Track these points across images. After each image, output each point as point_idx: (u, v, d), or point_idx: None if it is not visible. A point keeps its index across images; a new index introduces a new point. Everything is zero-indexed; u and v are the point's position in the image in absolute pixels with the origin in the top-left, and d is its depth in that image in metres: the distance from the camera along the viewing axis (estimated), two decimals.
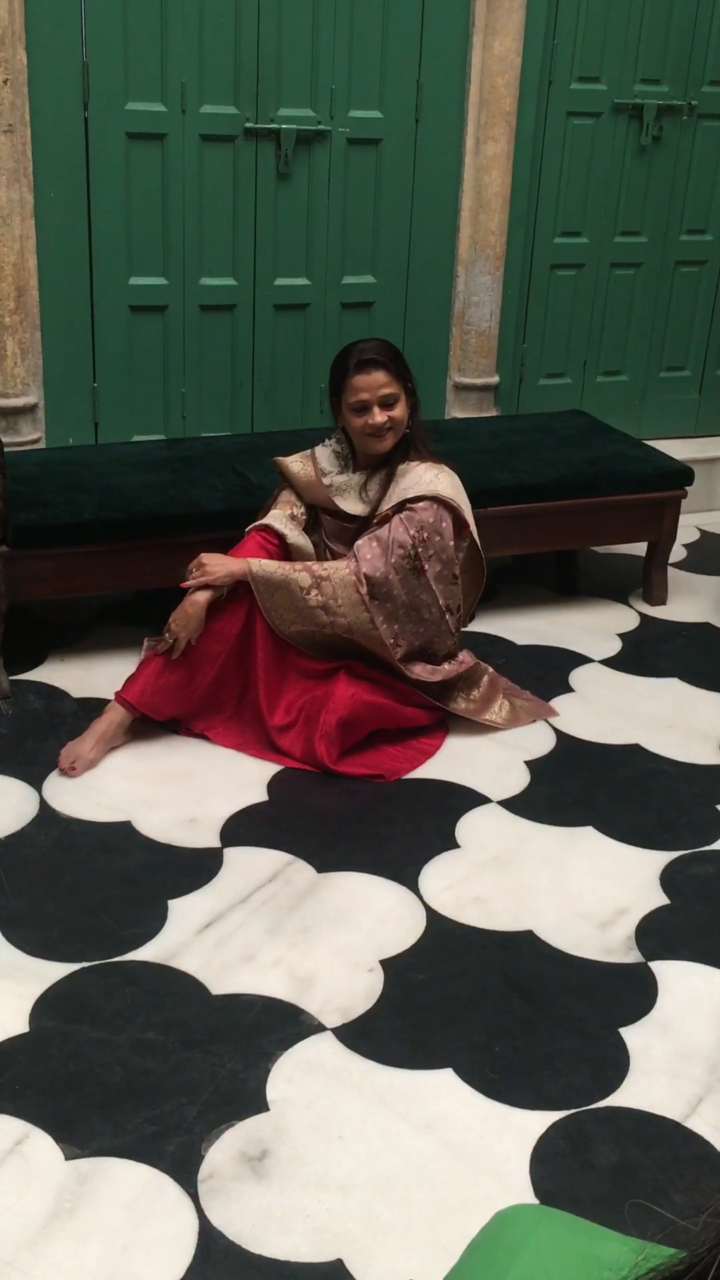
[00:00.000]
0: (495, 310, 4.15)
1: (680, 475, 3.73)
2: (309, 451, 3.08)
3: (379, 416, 2.88)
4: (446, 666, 3.02)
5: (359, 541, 2.92)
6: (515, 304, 4.20)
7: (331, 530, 3.05)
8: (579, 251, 4.27)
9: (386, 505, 2.92)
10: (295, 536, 2.98)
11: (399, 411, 2.91)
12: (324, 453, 3.06)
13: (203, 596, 2.84)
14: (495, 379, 4.21)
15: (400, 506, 2.89)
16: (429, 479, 2.90)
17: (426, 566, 2.88)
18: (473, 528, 2.97)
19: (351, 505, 2.99)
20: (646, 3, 4.04)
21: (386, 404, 2.88)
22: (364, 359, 2.89)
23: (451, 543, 2.90)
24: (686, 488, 3.75)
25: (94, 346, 3.73)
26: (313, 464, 3.05)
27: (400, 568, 2.86)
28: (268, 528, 2.97)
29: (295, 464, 3.07)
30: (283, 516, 3.01)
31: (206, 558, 2.88)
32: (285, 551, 2.96)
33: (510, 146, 3.97)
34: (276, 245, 3.84)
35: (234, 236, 3.78)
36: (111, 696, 2.93)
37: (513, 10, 3.81)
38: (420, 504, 2.88)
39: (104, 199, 3.60)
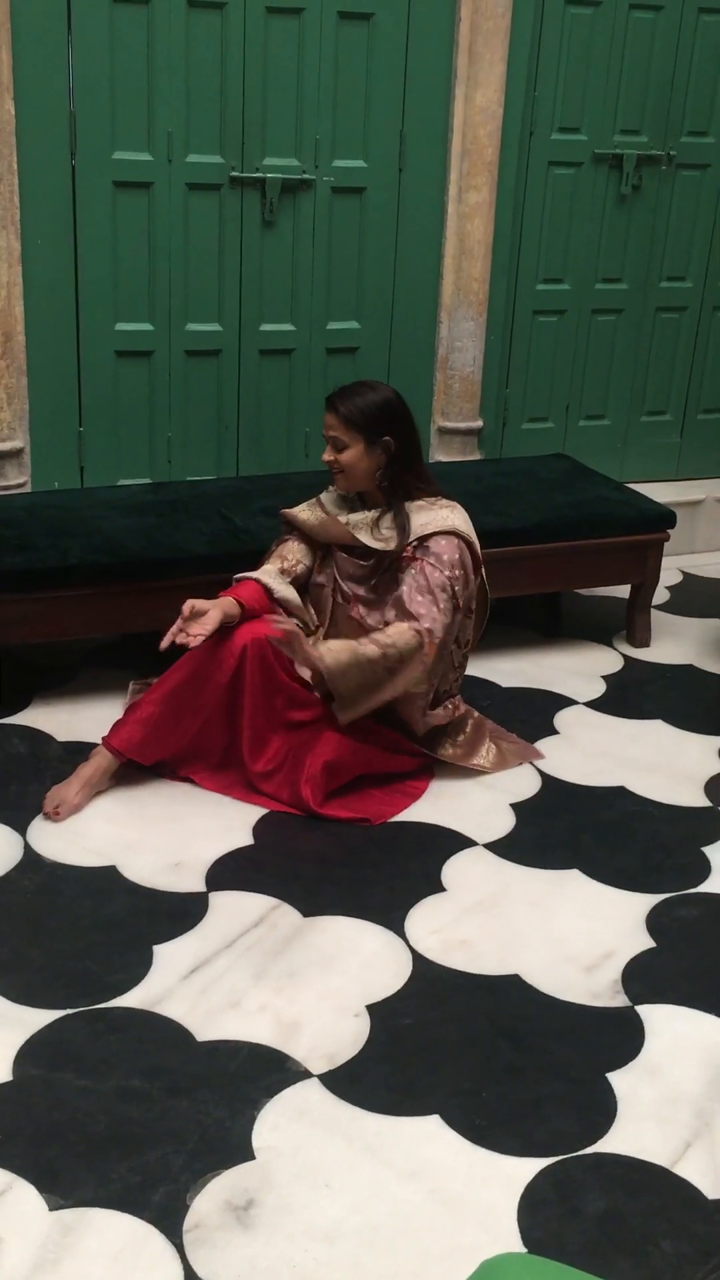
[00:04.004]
0: (478, 355, 4.19)
1: (662, 518, 3.76)
2: (314, 500, 3.10)
3: (327, 454, 2.94)
4: (440, 711, 3.02)
5: (404, 602, 2.87)
6: (498, 349, 4.24)
7: (348, 570, 3.03)
8: (561, 298, 4.32)
9: (407, 542, 2.92)
10: (282, 590, 2.99)
11: (346, 456, 2.91)
12: (328, 497, 3.09)
13: (219, 614, 2.81)
14: (479, 423, 4.25)
15: (422, 542, 2.90)
16: (443, 516, 2.94)
17: (461, 604, 2.92)
18: (482, 566, 3.02)
19: (369, 540, 2.96)
20: (625, 55, 4.12)
21: (335, 446, 2.92)
22: (327, 397, 2.96)
23: (472, 576, 2.95)
24: (669, 530, 3.78)
25: (80, 391, 3.75)
26: (320, 508, 3.07)
27: (449, 611, 2.88)
28: (258, 581, 2.98)
29: (304, 512, 3.08)
30: (273, 570, 3.02)
31: (286, 632, 2.79)
32: (274, 604, 2.97)
33: (492, 195, 4.02)
34: (262, 291, 3.88)
35: (220, 283, 3.82)
36: (96, 740, 2.93)
37: (494, 63, 3.87)
38: (440, 540, 2.90)
39: (91, 246, 3.63)
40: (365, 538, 2.97)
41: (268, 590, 2.97)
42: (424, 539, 2.91)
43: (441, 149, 3.96)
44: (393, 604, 2.93)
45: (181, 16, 3.53)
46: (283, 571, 3.03)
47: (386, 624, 2.91)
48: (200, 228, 3.74)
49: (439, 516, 2.94)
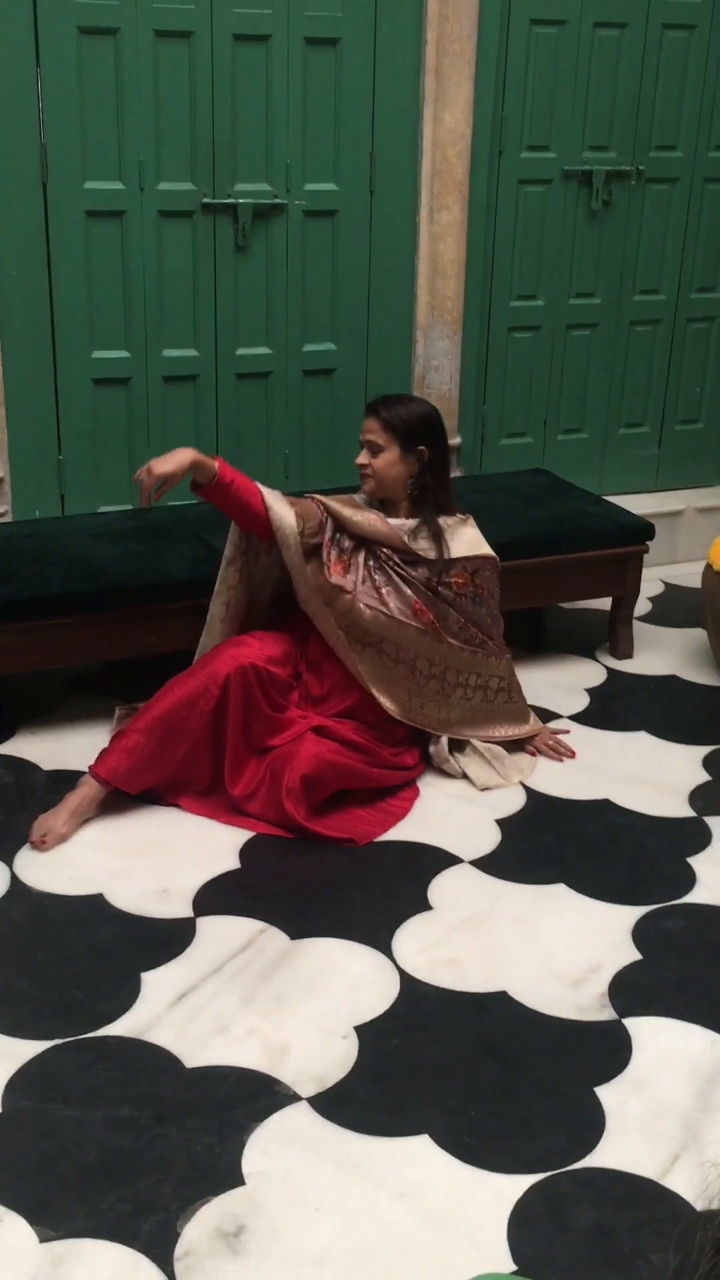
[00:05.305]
0: (455, 373, 4.21)
1: (641, 531, 3.78)
2: (348, 497, 3.11)
3: (360, 457, 3.04)
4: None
5: (487, 624, 3.16)
6: (474, 366, 4.26)
7: (398, 578, 3.03)
8: (535, 314, 4.35)
9: (449, 554, 3.07)
10: (279, 509, 2.91)
11: (380, 461, 3.02)
12: (362, 499, 3.13)
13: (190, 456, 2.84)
14: (457, 440, 4.27)
15: (472, 562, 3.11)
16: (475, 537, 3.14)
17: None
18: None
19: (419, 548, 3.05)
20: (592, 72, 4.15)
21: (371, 450, 3.02)
22: (369, 403, 3.08)
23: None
24: (648, 542, 3.80)
25: (58, 420, 3.77)
26: (361, 510, 3.06)
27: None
28: (260, 489, 2.94)
29: (347, 510, 3.02)
30: (278, 494, 2.96)
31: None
32: (267, 514, 2.92)
33: (464, 214, 4.05)
34: (237, 316, 3.90)
35: (195, 308, 3.84)
36: (83, 768, 2.94)
37: (461, 84, 3.90)
38: (489, 566, 3.15)
39: (65, 275, 3.65)
40: (410, 544, 3.05)
41: (264, 502, 2.92)
42: (475, 566, 3.11)
43: (412, 170, 3.99)
44: (458, 627, 3.13)
45: (149, 45, 3.56)
46: (291, 503, 2.97)
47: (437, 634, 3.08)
48: (174, 254, 3.77)
49: (472, 537, 3.14)
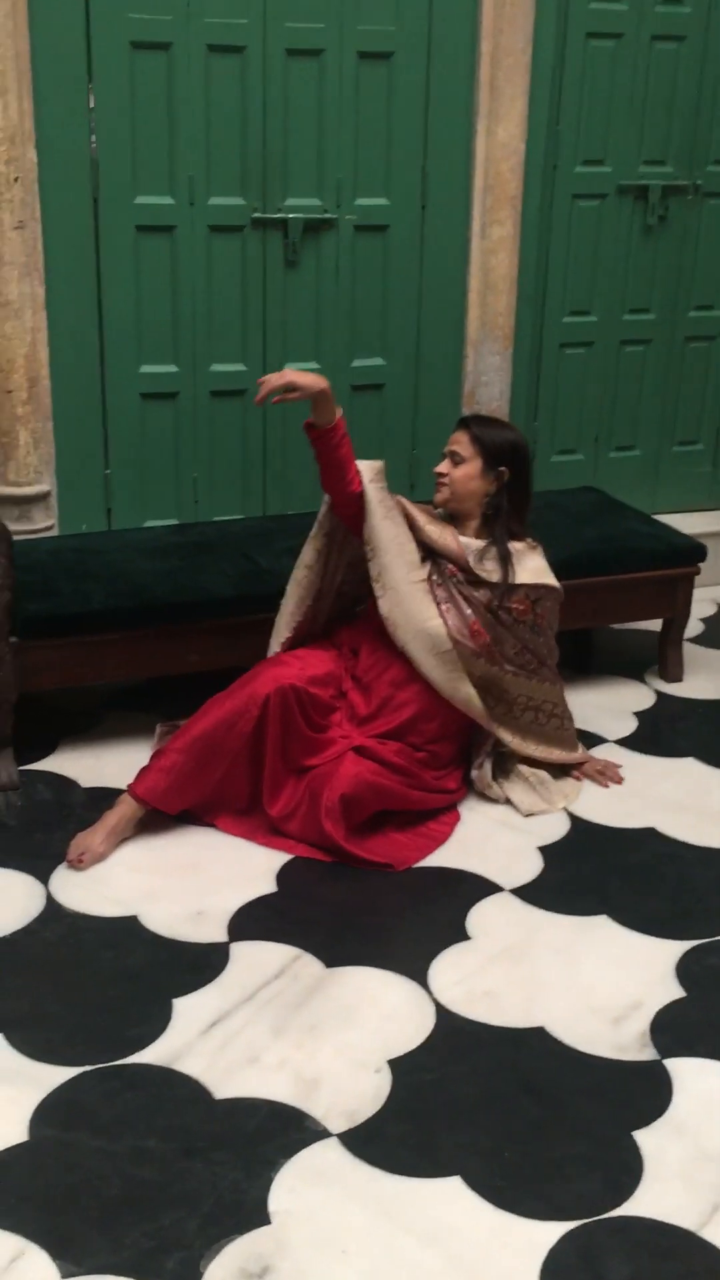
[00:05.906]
0: (505, 389, 4.16)
1: (693, 552, 3.71)
2: (428, 507, 3.09)
3: (441, 465, 3.05)
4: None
5: (543, 652, 3.13)
6: (525, 382, 4.21)
7: (460, 597, 3.00)
8: (588, 330, 4.29)
9: (513, 579, 3.04)
10: (375, 485, 2.94)
11: (459, 472, 3.03)
12: (436, 511, 3.11)
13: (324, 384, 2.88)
14: None
15: (535, 590, 3.08)
16: (542, 566, 3.12)
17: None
18: None
19: (484, 572, 3.03)
20: (648, 86, 4.09)
21: (453, 460, 3.04)
22: (462, 418, 3.14)
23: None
24: (699, 564, 3.72)
25: (106, 434, 3.76)
26: (436, 522, 3.05)
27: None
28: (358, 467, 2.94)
29: (423, 517, 3.02)
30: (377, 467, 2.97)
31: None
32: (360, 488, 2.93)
33: (516, 229, 4.01)
34: (286, 331, 3.88)
35: (243, 323, 3.83)
36: (122, 785, 2.92)
37: (515, 98, 3.86)
38: (550, 597, 3.12)
39: (114, 290, 3.65)
40: (475, 565, 3.02)
41: (360, 475, 2.93)
42: (538, 595, 3.08)
43: (464, 184, 3.95)
44: (514, 652, 3.08)
45: (201, 60, 3.55)
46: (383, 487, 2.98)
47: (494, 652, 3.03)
48: (223, 269, 3.75)
49: (539, 566, 3.12)
